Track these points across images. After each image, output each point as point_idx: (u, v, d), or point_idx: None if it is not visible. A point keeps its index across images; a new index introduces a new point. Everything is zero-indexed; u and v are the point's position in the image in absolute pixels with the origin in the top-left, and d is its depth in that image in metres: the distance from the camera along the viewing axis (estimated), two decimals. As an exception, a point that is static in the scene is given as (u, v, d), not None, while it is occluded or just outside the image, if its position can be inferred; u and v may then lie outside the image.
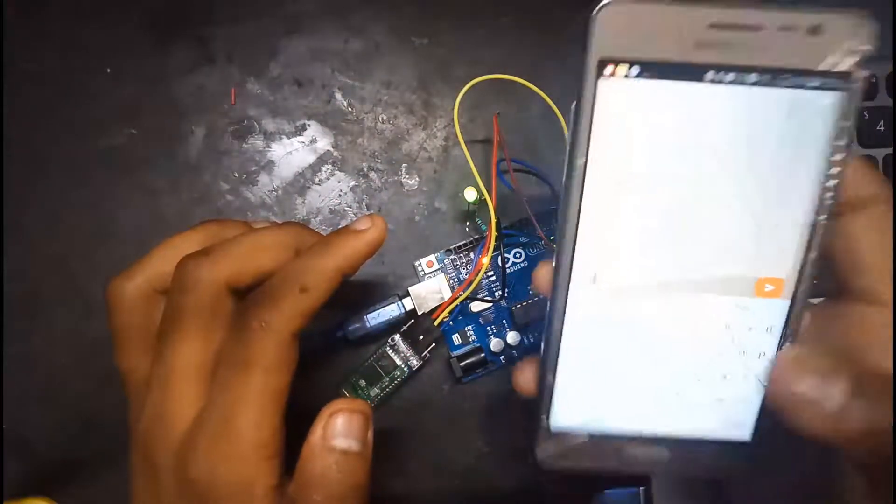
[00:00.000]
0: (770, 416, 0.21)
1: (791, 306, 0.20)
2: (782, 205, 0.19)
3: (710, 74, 0.18)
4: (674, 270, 0.20)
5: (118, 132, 0.33)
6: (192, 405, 0.20)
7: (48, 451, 0.32)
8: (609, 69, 0.18)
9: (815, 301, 0.20)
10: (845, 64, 0.18)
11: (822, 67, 0.18)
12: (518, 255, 0.32)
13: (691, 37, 0.18)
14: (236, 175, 0.34)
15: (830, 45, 0.18)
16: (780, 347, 0.20)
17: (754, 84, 0.18)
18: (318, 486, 0.20)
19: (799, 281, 0.20)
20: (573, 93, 0.19)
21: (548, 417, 0.21)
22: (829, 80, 0.18)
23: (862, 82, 0.18)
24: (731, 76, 0.18)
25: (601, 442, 0.22)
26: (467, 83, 0.28)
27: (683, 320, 0.20)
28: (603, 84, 0.18)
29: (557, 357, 0.21)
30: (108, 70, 0.34)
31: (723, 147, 0.19)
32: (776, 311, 0.20)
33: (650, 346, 0.21)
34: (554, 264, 0.20)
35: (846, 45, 0.18)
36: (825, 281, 0.20)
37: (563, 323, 0.21)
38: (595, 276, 0.20)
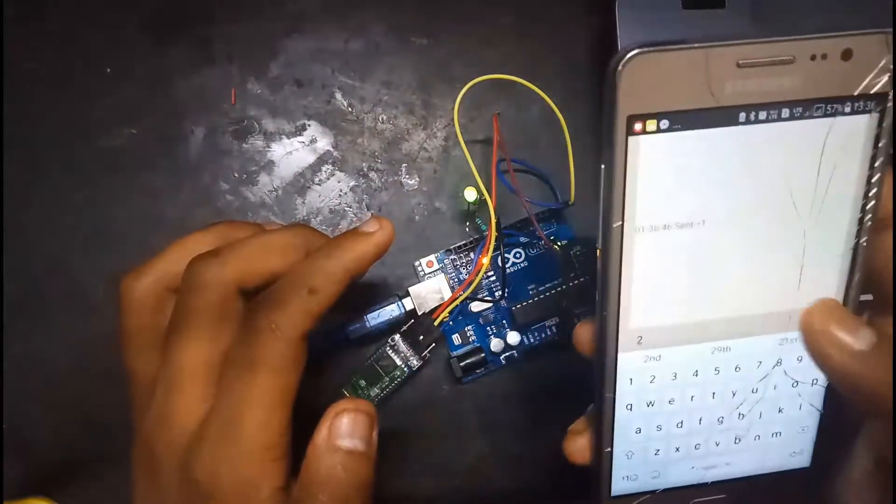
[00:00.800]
0: (827, 438, 0.21)
1: None
2: (824, 232, 0.19)
3: (742, 116, 0.17)
4: (721, 318, 0.20)
5: (118, 132, 0.33)
6: (199, 405, 0.20)
7: (48, 451, 0.32)
8: (638, 126, 0.17)
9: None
10: (880, 84, 0.17)
11: (858, 91, 0.17)
12: (518, 255, 0.32)
13: (720, 79, 0.17)
14: (236, 175, 0.34)
15: (864, 68, 0.17)
16: None
17: (788, 119, 0.17)
18: (323, 485, 0.20)
19: (845, 305, 0.20)
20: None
21: (609, 486, 0.21)
22: (864, 102, 0.17)
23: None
24: (764, 114, 0.17)
25: (664, 498, 0.21)
26: (467, 83, 0.28)
27: (734, 365, 0.20)
28: (633, 142, 0.17)
29: (613, 428, 0.21)
30: (108, 70, 0.34)
31: (761, 185, 0.18)
32: None
33: (704, 397, 0.20)
34: (597, 331, 0.20)
35: (880, 65, 0.17)
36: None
37: (614, 392, 0.20)
38: (641, 339, 0.20)
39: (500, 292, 0.31)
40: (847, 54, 0.17)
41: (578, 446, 0.22)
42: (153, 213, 0.33)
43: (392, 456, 0.32)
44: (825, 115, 0.17)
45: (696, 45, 0.17)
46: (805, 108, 0.17)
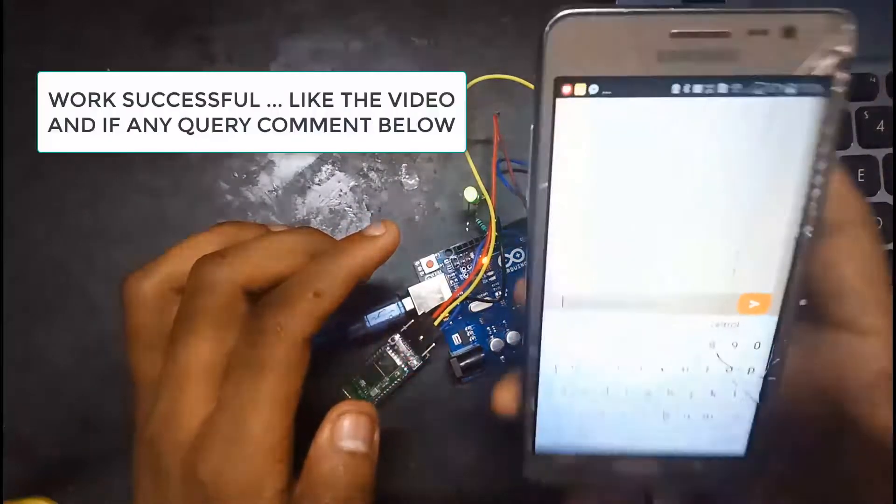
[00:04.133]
0: (764, 431, 0.20)
1: (779, 321, 0.19)
2: (764, 218, 0.18)
3: (676, 87, 0.17)
4: (650, 291, 0.19)
5: (118, 132, 0.33)
6: (203, 406, 0.20)
7: (48, 451, 0.32)
8: (567, 88, 0.17)
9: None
10: (824, 67, 0.16)
11: (798, 72, 0.17)
12: (518, 255, 0.32)
13: (653, 48, 0.16)
14: (236, 175, 0.34)
15: (806, 48, 0.16)
16: (770, 363, 0.19)
17: (726, 94, 0.17)
18: (325, 486, 0.20)
19: (786, 296, 0.19)
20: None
21: (532, 440, 0.21)
22: (809, 84, 0.17)
23: (844, 85, 0.17)
24: (699, 87, 0.17)
25: (589, 461, 0.21)
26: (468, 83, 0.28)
27: (664, 340, 0.20)
28: (561, 105, 0.17)
29: (537, 382, 0.20)
30: (108, 70, 0.34)
31: (696, 162, 0.18)
32: (763, 326, 0.19)
33: (631, 366, 0.20)
34: (526, 288, 0.19)
35: (823, 46, 0.16)
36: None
37: (539, 348, 0.20)
38: (564, 300, 0.19)
39: (500, 292, 0.31)
40: (789, 32, 0.16)
41: (505, 397, 0.22)
42: (153, 213, 0.33)
43: (392, 456, 0.32)
44: (766, 95, 0.17)
45: (627, 10, 0.16)
46: (744, 84, 0.17)
